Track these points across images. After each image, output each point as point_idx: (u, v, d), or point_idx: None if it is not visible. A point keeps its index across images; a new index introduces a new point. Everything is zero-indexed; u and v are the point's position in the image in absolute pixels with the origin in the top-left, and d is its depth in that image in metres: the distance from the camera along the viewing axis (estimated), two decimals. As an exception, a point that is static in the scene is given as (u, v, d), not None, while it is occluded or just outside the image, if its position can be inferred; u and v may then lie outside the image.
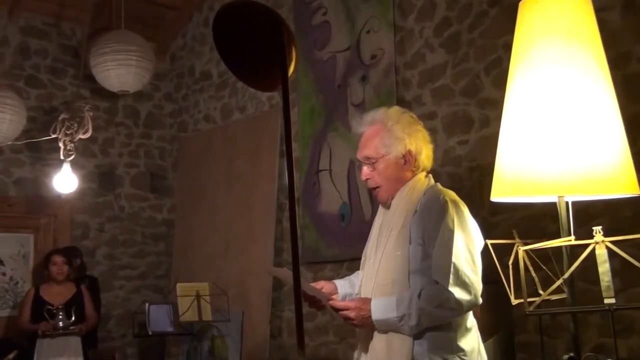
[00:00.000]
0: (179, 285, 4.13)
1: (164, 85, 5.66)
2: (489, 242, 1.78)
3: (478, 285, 1.81)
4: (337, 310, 1.89)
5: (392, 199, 1.97)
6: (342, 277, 2.18)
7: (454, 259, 1.78)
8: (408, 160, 1.95)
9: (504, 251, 1.79)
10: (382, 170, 1.96)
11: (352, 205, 3.99)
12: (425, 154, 1.98)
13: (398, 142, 1.95)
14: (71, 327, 4.10)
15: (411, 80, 3.76)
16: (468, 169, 3.42)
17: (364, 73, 3.97)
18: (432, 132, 3.77)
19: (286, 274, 2.08)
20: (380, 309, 1.83)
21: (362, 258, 2.04)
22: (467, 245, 1.82)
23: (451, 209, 1.84)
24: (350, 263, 3.82)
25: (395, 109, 2.03)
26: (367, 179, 2.00)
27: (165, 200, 5.54)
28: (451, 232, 1.81)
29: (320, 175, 4.22)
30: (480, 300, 1.82)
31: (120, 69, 4.65)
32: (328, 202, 4.14)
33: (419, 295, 1.80)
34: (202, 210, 5.00)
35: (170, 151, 5.61)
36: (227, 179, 4.88)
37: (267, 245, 4.42)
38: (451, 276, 1.77)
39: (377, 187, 1.99)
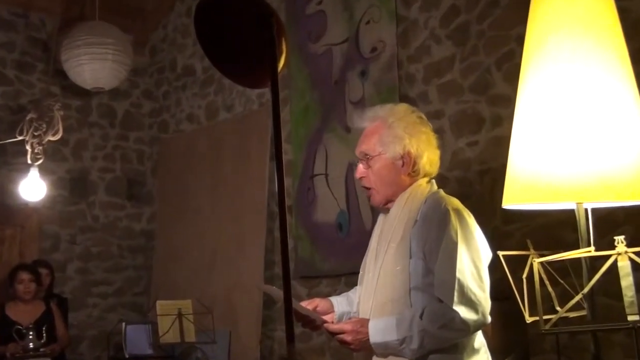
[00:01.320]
0: (159, 303, 4.11)
1: (143, 81, 5.66)
2: (501, 253, 1.78)
3: (486, 302, 1.81)
4: (332, 333, 1.89)
5: (385, 203, 1.98)
6: (340, 293, 2.18)
7: (458, 275, 1.78)
8: (406, 162, 1.96)
9: (517, 264, 1.79)
10: (377, 170, 1.97)
11: (350, 214, 3.99)
12: (428, 159, 1.98)
13: (397, 141, 1.95)
14: (42, 349, 4.08)
15: (415, 76, 3.77)
16: (478, 172, 3.43)
17: (364, 68, 3.98)
18: (438, 132, 3.77)
19: (277, 291, 2.08)
20: (379, 332, 1.83)
21: (361, 272, 2.04)
22: (473, 258, 1.82)
23: (453, 219, 1.84)
24: (349, 278, 3.82)
25: (403, 107, 2.03)
26: (362, 177, 2.01)
27: (144, 208, 5.53)
28: (454, 245, 1.81)
29: (315, 181, 4.22)
30: (489, 319, 1.82)
31: (94, 64, 4.65)
32: (324, 210, 4.14)
33: (421, 315, 1.80)
34: (185, 220, 4.99)
35: (150, 154, 5.60)
36: (212, 185, 4.88)
37: (257, 257, 4.42)
38: (455, 293, 1.77)
39: (370, 188, 1.99)
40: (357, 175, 2.02)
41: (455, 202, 1.92)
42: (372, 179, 1.99)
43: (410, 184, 1.98)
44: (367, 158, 1.99)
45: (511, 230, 3.19)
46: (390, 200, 1.98)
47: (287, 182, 4.34)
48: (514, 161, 1.80)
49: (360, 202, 3.91)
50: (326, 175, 4.17)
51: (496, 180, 3.23)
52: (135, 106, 5.64)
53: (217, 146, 4.92)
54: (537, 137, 1.75)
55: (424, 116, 2.06)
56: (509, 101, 2.96)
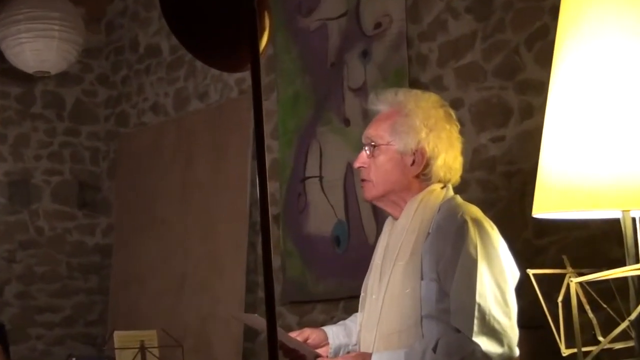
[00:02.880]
0: (117, 334, 4.09)
1: (98, 64, 5.65)
2: (531, 272, 1.79)
3: (512, 332, 1.82)
4: (327, 370, 1.90)
5: (378, 199, 1.98)
6: (336, 321, 2.19)
7: (478, 299, 1.79)
8: (417, 160, 1.97)
9: (551, 284, 1.79)
10: (381, 162, 1.98)
11: (350, 225, 3.99)
12: (444, 163, 1.99)
13: (411, 132, 1.96)
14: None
15: (428, 57, 3.77)
16: (505, 174, 3.43)
17: (366, 47, 3.98)
18: (456, 125, 3.72)
19: (259, 320, 2.08)
20: (384, 369, 1.84)
21: (362, 294, 2.05)
22: (496, 279, 1.83)
23: (472, 231, 1.85)
24: (348, 302, 3.81)
25: (432, 99, 2.04)
26: (361, 166, 2.01)
27: (99, 219, 5.52)
28: (473, 263, 1.82)
29: (307, 185, 4.22)
30: (517, 352, 1.83)
31: (37, 43, 4.63)
32: (318, 220, 4.13)
33: (435, 349, 1.81)
34: (149, 233, 4.98)
35: (106, 153, 5.59)
36: (182, 191, 4.87)
37: (237, 279, 4.41)
38: (476, 322, 1.77)
39: (368, 180, 2.00)
40: (357, 163, 2.03)
41: (475, 211, 1.93)
42: (372, 171, 2.00)
43: (420, 189, 1.98)
44: (372, 145, 1.99)
45: (544, 245, 3.19)
46: (385, 200, 1.98)
47: (272, 186, 4.33)
48: (547, 161, 1.80)
49: (362, 211, 3.91)
50: (320, 177, 4.17)
51: (527, 184, 3.23)
52: (88, 94, 5.62)
53: (187, 143, 4.91)
54: (575, 132, 1.76)
55: (454, 114, 2.06)
56: (542, 88, 2.96)
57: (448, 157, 2.01)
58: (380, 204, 2.03)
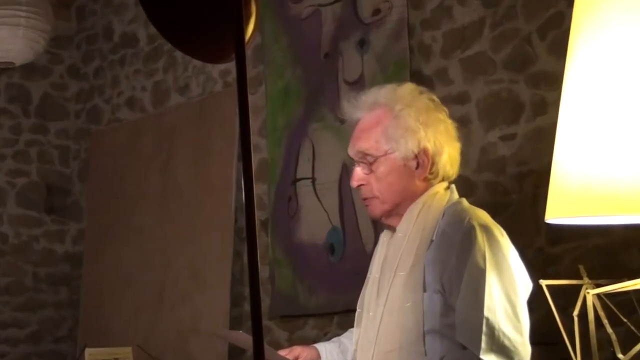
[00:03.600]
0: (88, 352, 4.09)
1: (68, 54, 5.64)
2: (544, 283, 1.80)
3: (524, 349, 1.82)
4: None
5: (388, 215, 1.98)
6: (330, 338, 2.19)
7: (486, 313, 1.79)
8: (422, 162, 1.97)
9: (567, 297, 1.80)
10: (383, 174, 1.98)
11: (345, 231, 3.99)
12: (449, 156, 2.00)
13: (409, 135, 1.97)
14: None
15: (432, 47, 3.78)
16: (516, 176, 3.44)
17: (363, 36, 3.98)
18: (463, 122, 3.75)
19: (244, 338, 2.08)
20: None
21: (358, 310, 2.05)
22: (506, 291, 1.83)
23: (480, 238, 1.85)
24: (343, 317, 3.81)
25: (409, 88, 2.05)
26: (361, 185, 2.01)
27: (69, 225, 5.51)
28: (481, 273, 1.82)
29: (298, 187, 4.22)
30: (529, 370, 1.84)
31: (1, 31, 4.62)
32: (310, 226, 4.13)
33: (439, 368, 1.81)
34: (124, 241, 4.97)
35: (77, 152, 5.58)
36: (161, 194, 4.87)
37: (221, 291, 4.41)
38: (484, 338, 1.78)
39: (373, 197, 2.00)
40: (354, 182, 2.03)
41: (483, 216, 1.94)
42: (375, 187, 2.00)
43: (425, 191, 1.98)
44: (367, 160, 1.99)
45: (559, 253, 3.19)
46: (395, 213, 1.99)
47: (260, 189, 4.33)
48: (562, 161, 1.81)
49: (359, 216, 3.91)
50: (313, 179, 4.16)
51: (540, 187, 3.23)
52: (57, 87, 5.61)
53: (167, 141, 4.91)
54: (592, 129, 1.76)
55: (436, 98, 2.07)
56: (557, 81, 2.97)
57: (450, 148, 2.02)
58: (389, 221, 2.02)
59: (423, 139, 1.97)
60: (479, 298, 1.80)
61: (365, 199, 2.03)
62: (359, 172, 2.02)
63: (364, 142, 2.01)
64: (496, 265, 1.84)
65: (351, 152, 2.06)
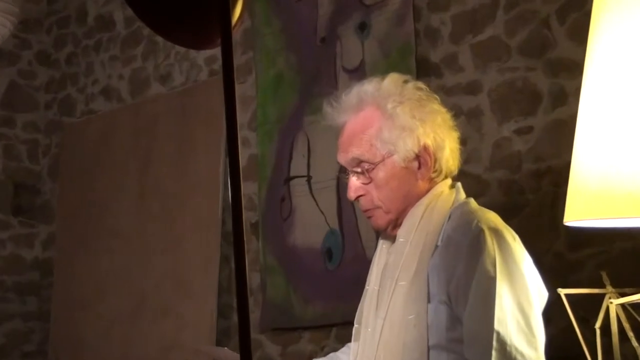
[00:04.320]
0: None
1: (37, 39, 5.64)
2: (563, 292, 1.80)
3: (538, 365, 1.82)
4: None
5: (396, 226, 1.98)
6: (327, 352, 2.19)
7: (497, 326, 1.79)
8: (424, 161, 1.97)
9: (588, 307, 1.80)
10: (384, 181, 1.98)
11: (345, 235, 3.99)
12: (450, 150, 2.00)
13: (407, 134, 1.97)
14: None
15: (440, 31, 3.78)
16: (533, 174, 3.44)
17: (364, 19, 3.98)
18: (474, 114, 3.75)
19: (231, 355, 2.08)
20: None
21: (355, 325, 2.05)
22: (519, 301, 1.83)
23: (490, 244, 1.85)
24: (342, 330, 3.82)
25: (393, 80, 2.06)
26: (360, 195, 2.01)
27: (39, 228, 5.51)
28: (491, 282, 1.83)
29: (292, 186, 4.22)
30: (544, 389, 1.84)
31: (-37, 13, 4.61)
32: (306, 229, 4.14)
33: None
34: (99, 246, 4.97)
35: (47, 147, 5.58)
36: (140, 193, 4.87)
37: (207, 301, 4.41)
38: (494, 354, 1.78)
39: (375, 208, 1.99)
40: (352, 194, 2.03)
41: (493, 218, 1.94)
42: (376, 197, 2.00)
43: (428, 191, 1.98)
44: (363, 167, 1.99)
45: (580, 259, 3.20)
46: (401, 222, 1.99)
47: (250, 188, 4.33)
48: (582, 157, 1.81)
49: (359, 218, 3.91)
50: (308, 178, 4.17)
51: (559, 186, 3.24)
52: (25, 76, 5.61)
53: (147, 135, 4.91)
54: (616, 122, 1.76)
55: (423, 85, 2.07)
56: (577, 68, 2.97)
57: (451, 141, 2.02)
58: (396, 231, 2.01)
59: (422, 135, 1.98)
60: (488, 309, 1.80)
61: (366, 210, 2.03)
62: (355, 182, 2.02)
63: (356, 148, 2.00)
64: (508, 272, 1.84)
65: (343, 160, 2.05)
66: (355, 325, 2.05)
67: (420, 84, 2.07)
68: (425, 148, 1.98)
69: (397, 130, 1.97)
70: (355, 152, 2.01)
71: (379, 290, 1.99)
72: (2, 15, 4.76)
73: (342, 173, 2.09)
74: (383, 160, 1.98)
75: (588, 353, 1.72)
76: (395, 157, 1.97)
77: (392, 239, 2.03)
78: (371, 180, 2.00)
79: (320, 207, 4.10)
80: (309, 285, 4.10)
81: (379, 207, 2.00)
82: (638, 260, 2.98)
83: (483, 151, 3.48)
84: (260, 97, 4.36)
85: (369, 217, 2.05)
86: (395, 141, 1.97)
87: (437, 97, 2.06)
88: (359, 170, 2.01)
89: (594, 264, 3.14)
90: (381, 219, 2.01)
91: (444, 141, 2.00)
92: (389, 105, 1.99)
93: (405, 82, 2.05)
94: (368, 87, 2.05)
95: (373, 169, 1.99)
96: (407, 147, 1.97)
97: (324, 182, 4.09)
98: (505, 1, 3.59)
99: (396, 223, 2.01)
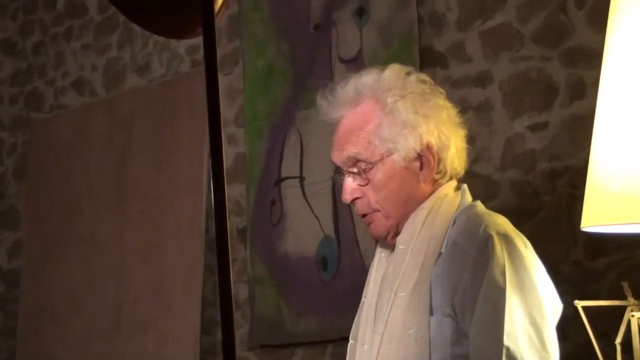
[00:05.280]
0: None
1: (1, 26, 5.63)
2: (581, 304, 1.81)
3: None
4: None
5: (396, 234, 1.99)
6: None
7: (506, 342, 1.80)
8: (427, 161, 1.98)
9: (608, 320, 1.80)
10: (382, 182, 1.98)
11: (340, 242, 4.00)
12: (456, 149, 2.00)
13: (409, 131, 1.98)
14: None
15: (445, 17, 3.79)
16: (548, 174, 3.45)
17: (361, 3, 3.98)
18: (483, 108, 3.75)
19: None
20: None
21: (350, 341, 2.05)
22: (531, 314, 1.84)
23: (499, 251, 1.86)
24: (338, 346, 3.82)
25: (394, 71, 2.07)
26: (356, 198, 2.02)
27: (4, 234, 5.51)
28: (501, 293, 1.83)
29: (284, 188, 4.23)
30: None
31: None
32: (298, 235, 4.14)
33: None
34: (72, 252, 4.97)
35: (12, 146, 5.57)
36: (116, 196, 4.87)
37: (190, 314, 4.41)
38: (503, 371, 1.79)
39: (373, 212, 2.00)
40: (347, 196, 2.04)
41: (502, 223, 1.94)
42: (374, 199, 2.01)
43: (431, 194, 1.99)
44: (360, 167, 2.00)
45: (599, 268, 3.21)
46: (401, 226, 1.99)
47: (237, 190, 4.34)
48: (601, 156, 1.81)
49: (357, 223, 3.91)
50: (301, 179, 4.17)
51: (577, 187, 3.25)
52: (-12, 67, 5.61)
53: (123, 133, 4.91)
54: (638, 117, 1.77)
55: (426, 77, 2.08)
56: (598, 58, 2.98)
57: (456, 140, 2.03)
58: (396, 239, 2.02)
59: (425, 133, 1.98)
60: (497, 323, 1.81)
61: (364, 215, 2.04)
62: (350, 183, 2.02)
63: (352, 146, 2.01)
64: (518, 282, 1.85)
65: (337, 159, 2.06)
66: (351, 342, 2.06)
67: (424, 77, 2.08)
68: (429, 147, 1.98)
69: (397, 127, 1.98)
70: (352, 150, 2.01)
71: (376, 302, 1.99)
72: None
73: (337, 174, 2.09)
74: (382, 159, 1.98)
75: (608, 371, 1.73)
76: (395, 156, 1.98)
77: (392, 247, 2.03)
78: (368, 181, 2.00)
79: (314, 212, 4.10)
80: (302, 298, 4.11)
81: (377, 211, 2.01)
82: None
83: (493, 149, 3.49)
84: (248, 91, 4.36)
85: (368, 224, 2.05)
86: (395, 139, 1.98)
87: (442, 91, 2.07)
88: (355, 170, 2.02)
89: (614, 273, 3.15)
90: (380, 225, 2.01)
91: (449, 140, 2.00)
92: (390, 100, 2.00)
93: (408, 74, 2.05)
94: (366, 79, 2.06)
95: (370, 169, 1.99)
96: (408, 145, 1.97)
97: (318, 183, 4.10)
98: (517, -16, 3.60)
99: (397, 230, 2.02)
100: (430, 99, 2.02)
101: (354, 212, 3.92)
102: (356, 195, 2.03)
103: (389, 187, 1.98)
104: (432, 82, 2.07)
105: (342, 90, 2.08)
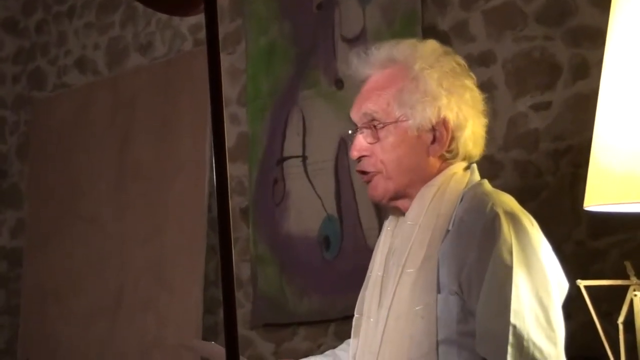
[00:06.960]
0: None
1: (3, 4, 5.61)
2: (582, 283, 1.81)
3: (558, 362, 1.84)
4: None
5: (392, 197, 1.99)
6: (324, 350, 2.20)
7: (513, 319, 1.80)
8: (440, 135, 1.98)
9: (611, 300, 1.80)
10: (392, 145, 1.99)
11: (343, 221, 4.00)
12: (472, 133, 2.00)
13: (428, 101, 1.97)
14: None
15: (449, -4, 3.78)
16: (551, 154, 3.45)
17: (365, -17, 3.98)
18: (486, 88, 3.76)
19: (218, 350, 2.09)
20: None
21: (356, 315, 2.05)
22: (537, 292, 1.84)
23: (506, 229, 1.86)
24: (340, 325, 3.83)
25: (431, 46, 2.07)
26: (363, 156, 2.02)
27: (6, 213, 5.51)
28: (507, 271, 1.84)
29: (286, 168, 4.23)
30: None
31: None
32: (301, 215, 4.15)
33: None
34: (73, 234, 4.98)
35: (15, 125, 5.58)
36: (118, 176, 4.87)
37: (192, 294, 4.42)
38: (510, 350, 1.79)
39: (375, 172, 2.00)
40: (355, 152, 2.04)
41: (509, 202, 1.95)
42: (379, 160, 2.01)
43: (440, 171, 1.99)
44: (373, 125, 2.00)
45: (602, 247, 3.21)
46: (402, 196, 1.99)
47: (239, 169, 4.34)
48: (604, 135, 1.81)
49: (360, 203, 3.92)
50: (304, 158, 4.17)
51: (580, 167, 3.24)
52: (-11, 46, 5.60)
53: (125, 111, 4.91)
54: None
55: (463, 61, 2.08)
56: (601, 37, 2.97)
57: (475, 124, 2.02)
58: (395, 203, 2.03)
59: (444, 107, 1.98)
60: (504, 301, 1.81)
61: (365, 173, 2.03)
62: (361, 140, 2.02)
63: (372, 103, 2.01)
64: (525, 261, 1.85)
65: (355, 115, 2.06)
66: (356, 316, 2.06)
67: (460, 60, 2.08)
68: (445, 122, 1.98)
69: (418, 94, 1.98)
70: (370, 107, 2.01)
71: (382, 276, 1.99)
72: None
73: (350, 133, 2.08)
74: (396, 122, 1.98)
75: (610, 350, 1.73)
76: (410, 122, 1.98)
77: (396, 213, 2.03)
78: (378, 139, 2.00)
79: (316, 191, 4.10)
80: (304, 277, 4.11)
81: (379, 172, 2.00)
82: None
83: (496, 129, 3.48)
84: (251, 70, 4.35)
85: (367, 183, 2.05)
86: (413, 105, 1.98)
87: (474, 76, 2.06)
88: (368, 127, 2.01)
89: (617, 253, 3.15)
90: (379, 186, 2.01)
91: (467, 120, 2.00)
92: (417, 67, 2.00)
93: (446, 53, 2.06)
94: (402, 45, 2.07)
95: (383, 127, 1.99)
96: (425, 114, 1.97)
97: (320, 163, 4.10)
98: (521, -38, 3.59)
99: (394, 195, 2.01)
100: (458, 77, 2.02)
101: (357, 191, 3.95)
102: (364, 153, 2.02)
103: (397, 151, 1.98)
104: (466, 66, 2.07)
105: (377, 51, 2.08)
